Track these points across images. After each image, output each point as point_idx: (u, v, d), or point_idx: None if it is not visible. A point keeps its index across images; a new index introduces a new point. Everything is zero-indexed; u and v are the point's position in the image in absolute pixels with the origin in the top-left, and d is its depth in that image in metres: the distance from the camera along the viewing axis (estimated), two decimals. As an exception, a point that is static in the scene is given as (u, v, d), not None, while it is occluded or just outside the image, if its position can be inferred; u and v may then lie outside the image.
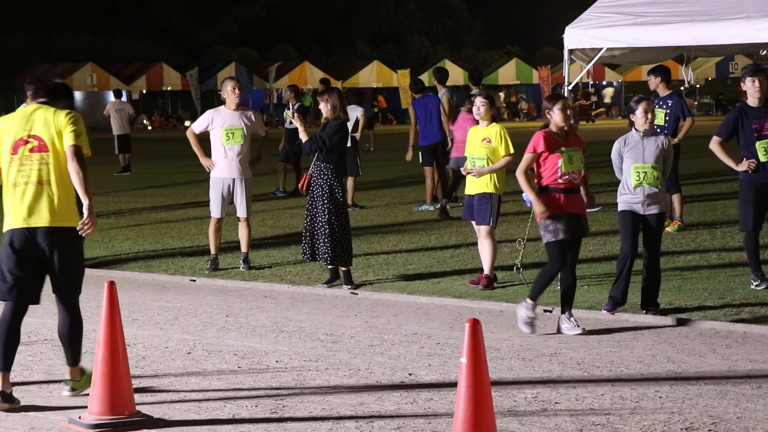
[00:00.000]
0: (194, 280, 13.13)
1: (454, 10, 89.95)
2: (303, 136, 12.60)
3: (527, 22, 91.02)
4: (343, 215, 12.25)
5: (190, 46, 76.97)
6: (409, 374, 8.54)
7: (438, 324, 10.47)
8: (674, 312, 10.58)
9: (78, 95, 59.53)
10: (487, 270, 12.01)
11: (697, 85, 61.48)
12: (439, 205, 19.51)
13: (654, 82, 15.48)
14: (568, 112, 10.04)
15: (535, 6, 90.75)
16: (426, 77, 46.92)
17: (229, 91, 13.49)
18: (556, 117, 10.00)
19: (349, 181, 19.47)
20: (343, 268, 12.32)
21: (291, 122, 22.33)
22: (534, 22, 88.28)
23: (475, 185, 12.08)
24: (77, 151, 7.81)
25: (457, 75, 50.24)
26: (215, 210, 13.54)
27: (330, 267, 12.45)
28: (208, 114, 13.65)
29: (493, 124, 12.15)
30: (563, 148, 9.94)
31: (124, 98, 34.84)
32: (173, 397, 7.99)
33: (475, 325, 5.78)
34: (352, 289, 12.16)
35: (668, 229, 15.03)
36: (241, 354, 9.28)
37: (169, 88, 63.27)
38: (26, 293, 7.88)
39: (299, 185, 12.52)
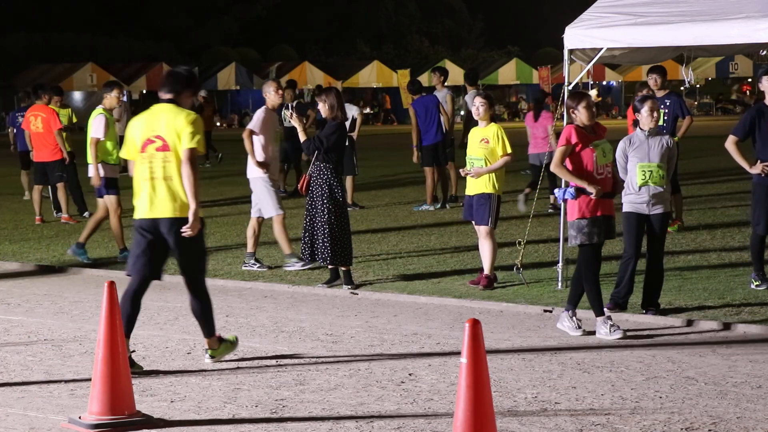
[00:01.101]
0: (194, 280, 13.12)
1: (454, 10, 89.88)
2: (302, 137, 12.62)
3: (527, 22, 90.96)
4: (342, 215, 12.26)
5: (190, 46, 76.91)
6: (409, 374, 8.54)
7: (438, 324, 10.47)
8: (674, 312, 10.58)
9: (78, 95, 59.56)
10: (487, 270, 12.00)
11: (697, 85, 61.51)
12: (439, 205, 19.54)
13: (653, 82, 15.49)
14: (594, 110, 9.99)
15: (535, 6, 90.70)
16: (425, 78, 46.86)
17: (272, 92, 13.60)
18: (581, 115, 9.91)
19: (348, 181, 19.48)
20: (343, 268, 12.32)
21: (290, 121, 22.35)
22: (534, 22, 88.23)
23: (474, 186, 12.08)
24: (191, 155, 8.56)
25: (457, 75, 50.15)
26: (278, 207, 13.61)
27: (330, 267, 12.45)
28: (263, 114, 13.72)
29: (491, 124, 12.15)
30: (596, 142, 9.89)
31: (124, 98, 34.83)
32: (173, 397, 7.99)
33: (475, 325, 5.79)
34: (352, 289, 12.16)
35: (669, 229, 15.02)
36: (241, 354, 9.28)
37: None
38: (149, 270, 8.79)
39: (299, 185, 12.53)
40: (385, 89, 67.60)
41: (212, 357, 9.00)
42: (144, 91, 62.22)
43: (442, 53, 78.56)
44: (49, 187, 19.55)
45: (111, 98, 14.75)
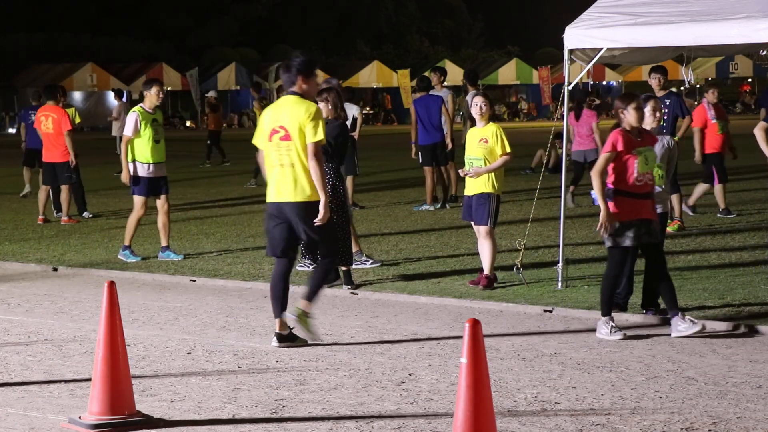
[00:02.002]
0: (194, 280, 13.14)
1: (454, 10, 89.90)
2: None
3: (527, 22, 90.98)
4: (345, 215, 12.21)
5: (190, 46, 76.95)
6: (409, 374, 8.54)
7: (438, 324, 10.47)
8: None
9: (78, 95, 59.56)
10: (487, 270, 12.00)
11: (698, 85, 61.46)
12: (439, 205, 19.55)
13: (656, 82, 15.50)
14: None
15: (535, 6, 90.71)
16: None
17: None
18: (630, 117, 9.77)
19: (348, 181, 19.46)
20: (344, 268, 12.31)
21: None
22: (534, 22, 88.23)
23: (474, 185, 12.07)
24: (315, 149, 9.36)
25: (457, 75, 50.22)
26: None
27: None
28: None
29: (490, 123, 12.14)
30: (639, 148, 9.76)
31: (124, 99, 34.87)
32: (173, 397, 7.99)
33: (475, 325, 5.78)
34: (352, 289, 12.16)
35: (668, 229, 15.02)
36: (241, 354, 9.28)
37: (169, 88, 63.15)
38: (291, 250, 9.64)
39: None
40: (385, 89, 67.61)
41: (294, 315, 9.55)
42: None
43: (442, 53, 78.59)
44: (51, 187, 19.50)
45: (150, 96, 14.42)
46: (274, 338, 9.57)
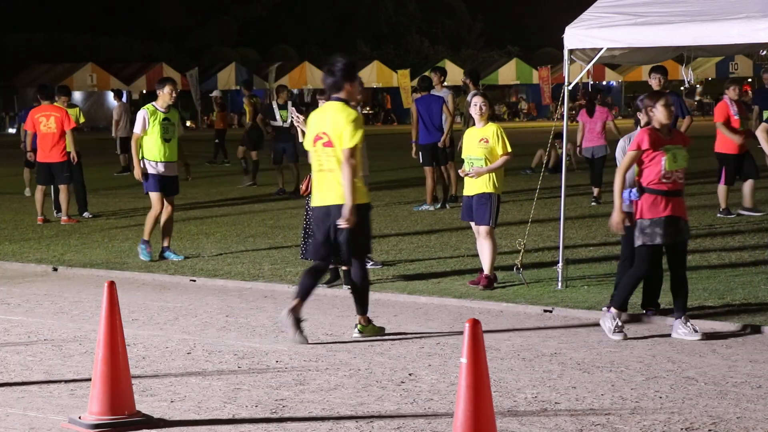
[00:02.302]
0: (194, 280, 13.14)
1: (454, 10, 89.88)
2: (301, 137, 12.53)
3: (527, 22, 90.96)
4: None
5: (190, 46, 76.94)
6: (409, 374, 8.54)
7: (438, 324, 10.47)
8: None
9: (78, 95, 59.55)
10: (487, 270, 12.00)
11: (697, 85, 61.47)
12: (439, 205, 19.55)
13: (656, 82, 15.50)
14: (672, 109, 9.84)
15: (535, 6, 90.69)
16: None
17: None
18: (659, 114, 9.75)
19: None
20: (344, 268, 12.31)
21: (284, 122, 22.47)
22: (534, 22, 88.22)
23: (474, 186, 12.07)
24: (349, 154, 9.61)
25: (457, 75, 50.21)
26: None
27: (330, 267, 12.45)
28: None
29: (490, 123, 12.14)
30: (668, 146, 9.71)
31: (123, 99, 34.90)
32: (173, 397, 7.99)
33: (475, 325, 5.78)
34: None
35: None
36: (241, 354, 9.28)
37: (169, 88, 63.14)
38: (329, 254, 9.90)
39: (302, 186, 12.46)
40: (385, 89, 67.60)
41: (360, 332, 9.83)
42: (144, 91, 62.22)
43: (442, 53, 78.58)
44: (51, 186, 19.49)
45: (163, 95, 14.31)
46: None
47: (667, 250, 9.86)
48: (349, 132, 9.58)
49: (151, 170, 14.30)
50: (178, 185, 14.75)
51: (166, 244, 14.57)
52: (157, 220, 14.45)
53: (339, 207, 9.63)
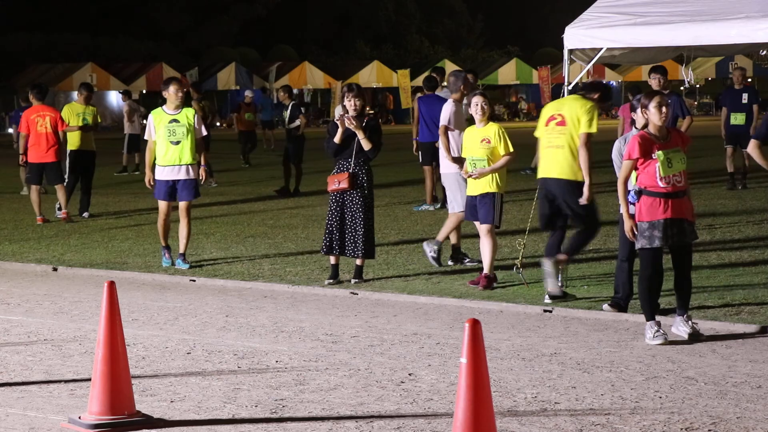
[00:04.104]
0: (194, 280, 13.14)
1: (454, 10, 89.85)
2: (366, 144, 12.37)
3: (527, 22, 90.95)
4: (372, 210, 12.61)
5: (190, 46, 76.91)
6: (409, 374, 8.54)
7: (438, 324, 10.47)
8: (674, 312, 10.56)
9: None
10: (486, 269, 12.00)
11: (697, 85, 61.47)
12: (439, 205, 19.54)
13: (656, 82, 15.50)
14: (665, 109, 9.48)
15: (535, 6, 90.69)
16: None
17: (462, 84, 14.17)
18: (651, 115, 9.46)
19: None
20: (358, 263, 12.45)
21: (290, 123, 22.52)
22: (534, 22, 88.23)
23: (477, 186, 12.07)
24: (586, 138, 11.19)
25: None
26: (463, 205, 12.92)
27: (332, 264, 12.55)
28: None
29: (491, 123, 12.15)
30: (659, 152, 9.41)
31: (132, 97, 34.85)
32: (173, 397, 7.99)
33: (475, 325, 5.78)
34: (353, 289, 12.17)
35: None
36: (241, 354, 9.28)
37: (169, 88, 63.15)
38: (557, 223, 11.44)
39: (334, 183, 12.38)
40: (385, 89, 67.57)
41: (551, 263, 11.19)
42: (144, 91, 62.21)
43: (442, 53, 78.55)
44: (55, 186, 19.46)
45: (169, 95, 13.86)
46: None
47: (671, 252, 9.77)
48: (586, 120, 11.16)
49: (156, 175, 13.92)
50: (193, 190, 13.97)
51: (181, 250, 13.99)
52: (167, 225, 14.09)
53: (558, 181, 11.19)
